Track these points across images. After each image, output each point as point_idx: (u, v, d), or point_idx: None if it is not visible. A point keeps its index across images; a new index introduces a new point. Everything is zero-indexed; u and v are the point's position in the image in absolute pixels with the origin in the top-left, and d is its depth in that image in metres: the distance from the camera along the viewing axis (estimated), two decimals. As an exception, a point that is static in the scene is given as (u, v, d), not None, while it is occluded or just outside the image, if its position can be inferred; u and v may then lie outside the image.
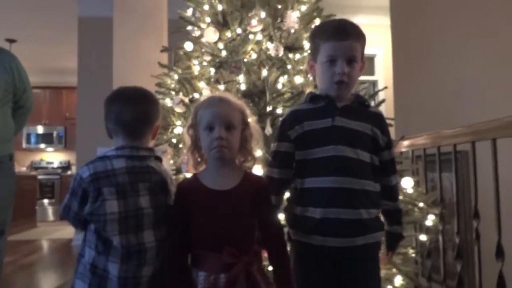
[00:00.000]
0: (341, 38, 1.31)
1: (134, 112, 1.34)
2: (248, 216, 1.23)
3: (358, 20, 5.87)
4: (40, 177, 7.50)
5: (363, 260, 1.32)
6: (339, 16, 2.65)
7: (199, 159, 1.33)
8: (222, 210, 1.22)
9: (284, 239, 1.30)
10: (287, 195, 1.46)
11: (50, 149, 8.30)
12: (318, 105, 1.37)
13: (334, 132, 1.31)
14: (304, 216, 1.30)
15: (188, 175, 1.86)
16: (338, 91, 1.34)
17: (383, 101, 2.25)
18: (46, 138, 8.19)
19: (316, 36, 1.40)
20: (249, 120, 1.32)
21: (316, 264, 1.31)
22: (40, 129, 8.17)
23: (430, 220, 2.09)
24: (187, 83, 2.11)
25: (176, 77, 2.22)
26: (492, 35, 2.92)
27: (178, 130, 2.04)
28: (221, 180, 1.25)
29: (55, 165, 8.35)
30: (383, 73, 5.80)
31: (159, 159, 1.40)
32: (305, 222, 1.30)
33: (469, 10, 3.18)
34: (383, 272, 1.73)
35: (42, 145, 8.21)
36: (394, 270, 1.88)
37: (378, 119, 1.38)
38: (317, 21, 2.31)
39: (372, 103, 2.39)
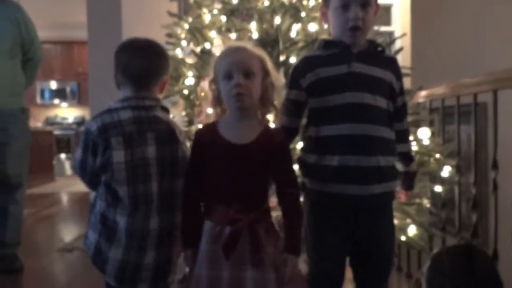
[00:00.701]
0: None
1: (141, 63, 1.33)
2: (261, 172, 1.20)
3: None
4: (56, 132, 7.59)
5: (379, 209, 1.31)
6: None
7: (220, 112, 1.29)
8: (235, 164, 1.20)
9: (298, 199, 1.26)
10: (300, 144, 1.44)
11: (64, 104, 8.34)
12: (332, 51, 1.32)
13: (351, 78, 1.27)
14: (321, 164, 1.28)
15: (201, 126, 1.85)
16: (353, 37, 1.28)
17: (400, 49, 2.17)
18: (60, 94, 8.21)
19: None
20: (269, 68, 1.26)
21: (332, 213, 1.29)
22: (53, 85, 8.18)
23: (446, 171, 2.07)
24: (197, 32, 2.05)
25: (186, 26, 2.15)
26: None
27: (190, 81, 2.00)
28: (239, 134, 1.22)
29: (70, 120, 8.41)
30: (400, 23, 5.58)
31: (165, 109, 1.40)
32: (322, 171, 1.27)
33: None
34: (397, 222, 1.73)
35: (56, 101, 8.24)
36: (408, 220, 1.88)
37: (393, 64, 1.35)
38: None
39: (389, 52, 2.31)
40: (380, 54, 1.34)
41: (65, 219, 4.45)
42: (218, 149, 1.23)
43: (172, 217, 1.32)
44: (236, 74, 1.19)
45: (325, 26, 1.89)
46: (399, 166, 1.41)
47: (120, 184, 1.25)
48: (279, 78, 1.35)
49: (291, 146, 1.46)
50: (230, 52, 1.26)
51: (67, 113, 8.49)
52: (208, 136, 1.25)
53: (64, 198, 5.56)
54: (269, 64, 1.27)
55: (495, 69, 2.03)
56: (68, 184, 6.39)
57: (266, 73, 1.25)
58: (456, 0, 3.53)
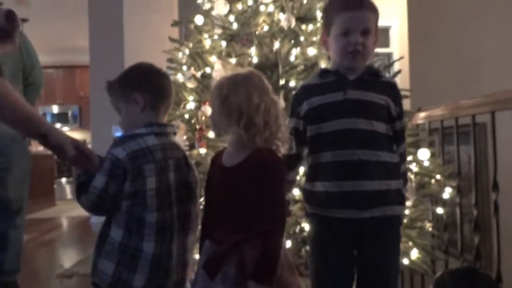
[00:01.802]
0: (356, 9, 1.29)
1: (171, 89, 1.40)
2: (245, 196, 1.19)
3: (373, -10, 5.64)
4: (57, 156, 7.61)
5: (382, 233, 1.30)
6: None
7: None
8: (223, 186, 1.24)
9: (278, 221, 1.19)
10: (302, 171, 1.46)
11: (65, 128, 8.38)
12: (329, 80, 1.35)
13: (347, 105, 1.29)
14: (318, 190, 1.30)
15: (202, 150, 1.86)
16: (353, 61, 1.31)
17: (399, 72, 2.20)
18: (62, 118, 8.27)
19: (329, 8, 1.38)
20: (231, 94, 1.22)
21: (333, 238, 1.30)
22: (55, 109, 8.25)
23: (447, 193, 2.06)
24: (198, 57, 2.09)
25: (187, 51, 2.19)
26: (514, 1, 2.81)
27: (191, 105, 2.03)
28: (231, 156, 1.26)
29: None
30: (398, 45, 5.66)
31: (175, 134, 1.44)
32: (319, 196, 1.30)
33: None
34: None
35: (58, 125, 8.28)
36: (410, 243, 1.87)
37: (391, 89, 1.35)
38: (331, -9, 2.24)
39: (387, 75, 2.34)
40: (377, 79, 1.36)
41: (65, 244, 4.42)
42: (214, 171, 1.29)
43: (186, 240, 1.36)
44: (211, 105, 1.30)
45: (324, 51, 1.95)
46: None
47: (150, 211, 1.26)
48: (279, 102, 1.36)
49: (296, 173, 1.47)
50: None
51: (69, 136, 8.53)
52: (214, 160, 1.34)
53: (64, 223, 5.53)
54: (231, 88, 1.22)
55: (492, 91, 2.05)
56: (68, 209, 6.37)
57: (225, 96, 1.22)
58: (453, 22, 3.58)
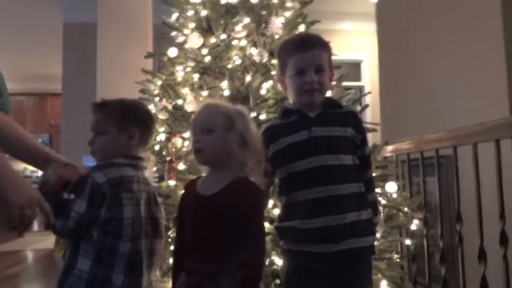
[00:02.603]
0: (307, 48, 1.35)
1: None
2: (225, 224, 1.20)
3: (344, 26, 5.91)
4: (24, 185, 7.38)
5: (355, 265, 1.31)
6: (324, 23, 2.69)
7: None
8: (200, 215, 1.23)
9: (258, 253, 1.21)
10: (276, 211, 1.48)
11: (35, 157, 8.19)
12: (292, 119, 1.38)
13: (313, 143, 1.31)
14: (292, 227, 1.31)
15: (171, 182, 1.85)
16: (310, 97, 1.35)
17: (366, 106, 2.27)
18: (31, 146, 8.07)
19: (283, 51, 1.44)
20: (238, 123, 1.27)
21: (308, 271, 1.30)
22: (24, 137, 8.05)
23: (414, 225, 2.10)
24: (170, 89, 2.10)
25: (159, 83, 2.20)
26: (474, 42, 2.96)
27: (161, 137, 2.02)
28: (208, 185, 1.25)
29: (40, 173, 8.22)
30: (369, 79, 5.84)
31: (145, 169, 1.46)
32: (293, 232, 1.31)
33: (453, 17, 3.23)
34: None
35: (27, 153, 8.09)
36: (379, 275, 1.88)
37: (352, 118, 1.39)
38: (302, 27, 2.32)
39: (358, 108, 2.41)
40: (338, 111, 1.39)
41: (30, 278, 4.23)
42: (189, 201, 1.28)
43: (150, 275, 1.35)
44: (197, 131, 1.27)
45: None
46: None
47: (124, 240, 1.25)
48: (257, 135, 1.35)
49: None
50: (201, 108, 1.33)
51: (38, 165, 8.31)
52: (187, 189, 1.33)
53: (30, 256, 5.31)
54: (243, 120, 1.28)
55: (456, 125, 2.14)
56: (34, 241, 6.12)
57: (226, 128, 1.25)
58: (420, 58, 3.73)
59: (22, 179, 1.18)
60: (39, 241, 5.90)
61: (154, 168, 1.88)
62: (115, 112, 1.38)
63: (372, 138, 2.83)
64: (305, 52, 1.35)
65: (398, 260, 1.98)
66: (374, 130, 2.17)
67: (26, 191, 1.15)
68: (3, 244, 5.75)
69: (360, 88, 5.94)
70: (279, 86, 2.05)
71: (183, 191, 1.37)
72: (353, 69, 5.84)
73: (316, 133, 1.32)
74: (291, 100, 1.90)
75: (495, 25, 2.70)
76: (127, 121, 1.37)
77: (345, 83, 2.18)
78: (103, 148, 1.37)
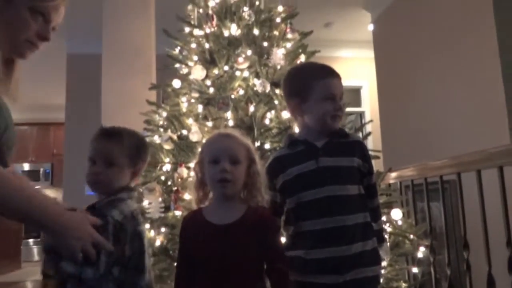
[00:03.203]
0: (335, 76, 1.39)
1: None
2: (249, 252, 1.20)
3: (343, 53, 6.00)
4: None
5: None
6: (324, 51, 2.75)
7: (202, 196, 1.33)
8: (221, 245, 1.20)
9: (287, 274, 1.24)
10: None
11: (36, 186, 8.14)
12: (299, 149, 1.39)
13: (321, 173, 1.32)
14: (298, 257, 1.30)
15: (177, 212, 1.85)
16: (334, 124, 1.37)
17: (369, 134, 2.29)
18: (33, 175, 8.05)
19: (307, 74, 1.43)
20: (255, 157, 1.31)
21: None
22: (26, 166, 8.06)
23: (421, 252, 2.09)
24: (175, 120, 2.13)
25: (164, 114, 2.23)
26: (473, 67, 3.01)
27: (167, 167, 2.04)
28: (223, 214, 1.24)
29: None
30: (369, 104, 5.90)
31: None
32: (298, 263, 1.30)
33: (451, 41, 3.29)
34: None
35: (28, 182, 8.06)
36: (387, 304, 1.86)
37: (358, 147, 1.41)
38: (302, 58, 2.37)
39: (360, 135, 2.43)
40: (344, 141, 1.40)
41: (30, 310, 4.16)
42: (202, 231, 1.24)
43: None
44: (222, 159, 1.23)
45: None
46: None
47: (144, 273, 1.24)
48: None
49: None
50: (219, 138, 1.32)
51: (39, 194, 8.27)
52: (193, 222, 1.28)
53: (29, 287, 5.23)
54: (255, 153, 1.32)
55: (458, 152, 2.15)
56: (35, 272, 6.04)
57: (251, 161, 1.29)
58: (421, 85, 3.78)
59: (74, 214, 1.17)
60: (39, 272, 5.83)
61: (160, 199, 1.88)
62: (130, 146, 1.36)
63: (374, 165, 2.84)
64: (333, 79, 1.38)
65: (405, 288, 1.96)
66: (377, 158, 2.18)
67: (83, 225, 1.14)
68: (4, 274, 5.68)
69: (361, 114, 5.99)
70: (282, 115, 2.08)
71: (183, 221, 1.33)
72: (353, 95, 5.91)
73: (324, 163, 1.33)
74: (296, 129, 1.93)
75: (492, 52, 2.76)
76: (138, 156, 1.36)
77: (346, 109, 2.21)
78: (111, 180, 1.33)
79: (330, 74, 1.39)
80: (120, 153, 1.33)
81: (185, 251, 1.28)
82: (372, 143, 4.22)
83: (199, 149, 1.60)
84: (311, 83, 1.38)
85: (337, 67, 1.49)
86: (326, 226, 1.28)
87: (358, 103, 5.99)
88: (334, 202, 1.30)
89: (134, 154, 1.36)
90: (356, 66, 5.77)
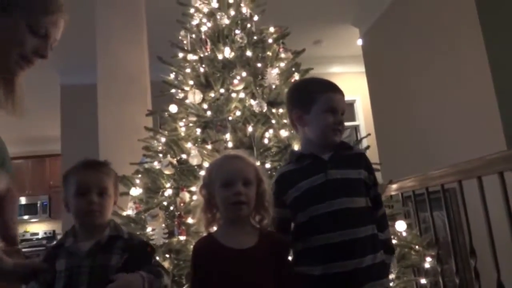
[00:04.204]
0: (338, 91, 1.42)
1: None
2: (269, 275, 1.19)
3: (333, 69, 6.07)
4: (24, 250, 7.23)
5: None
6: (317, 68, 2.78)
7: (211, 219, 1.32)
8: (240, 269, 1.19)
9: None
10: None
11: (34, 219, 8.07)
12: (306, 162, 1.39)
13: (330, 186, 1.32)
14: (306, 274, 1.29)
15: (182, 237, 1.84)
16: (336, 137, 1.39)
17: (367, 147, 2.30)
18: (30, 209, 7.98)
19: (310, 87, 1.45)
20: (262, 176, 1.32)
21: None
22: (23, 200, 7.98)
23: (428, 262, 2.08)
24: (174, 144, 2.13)
25: (163, 139, 2.24)
26: (465, 74, 3.05)
27: (168, 192, 2.03)
28: (238, 239, 1.23)
29: (40, 235, 8.09)
30: (363, 118, 5.96)
31: None
32: (308, 280, 1.28)
33: (441, 49, 3.33)
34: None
35: (26, 217, 7.97)
36: (398, 318, 1.84)
37: (363, 160, 1.42)
38: (296, 76, 2.40)
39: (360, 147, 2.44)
40: (349, 153, 1.41)
41: None
42: (220, 256, 1.22)
43: None
44: (236, 182, 1.23)
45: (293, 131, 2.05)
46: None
47: None
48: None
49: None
50: (229, 161, 1.31)
51: (37, 228, 8.19)
52: (206, 247, 1.26)
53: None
54: (262, 173, 1.33)
55: (457, 159, 2.17)
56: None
57: (260, 180, 1.29)
58: (413, 96, 3.81)
59: None
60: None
61: (163, 225, 1.87)
62: (114, 175, 1.39)
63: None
64: (337, 94, 1.40)
65: (415, 301, 1.95)
66: (377, 170, 2.20)
67: None
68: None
69: (356, 127, 6.04)
70: (281, 134, 2.09)
71: (196, 248, 1.30)
72: (347, 109, 5.96)
73: (333, 176, 1.33)
74: (296, 146, 1.94)
75: (482, 60, 2.80)
76: (117, 185, 1.40)
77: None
78: (107, 211, 1.35)
79: (333, 89, 1.41)
80: (111, 182, 1.36)
81: (202, 279, 1.23)
82: (369, 157, 4.22)
83: (201, 172, 1.61)
84: (314, 95, 1.40)
85: (330, 83, 1.50)
86: (339, 239, 1.27)
87: (352, 117, 6.04)
88: (346, 215, 1.30)
89: (116, 183, 1.39)
90: (348, 81, 5.82)
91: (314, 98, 1.40)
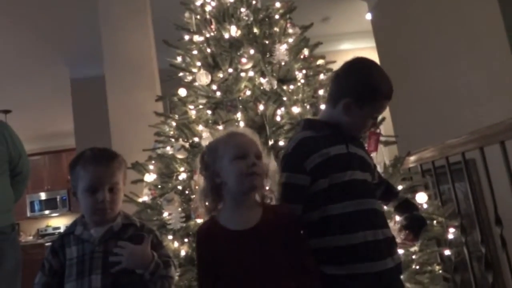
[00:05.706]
0: (387, 100, 1.40)
1: None
2: (277, 253, 1.16)
3: (343, 46, 5.95)
4: (47, 244, 7.36)
5: (397, 282, 1.30)
6: (326, 46, 2.70)
7: (212, 206, 1.28)
8: (247, 251, 1.16)
9: (318, 270, 1.21)
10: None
11: (55, 214, 8.21)
12: (327, 133, 1.36)
13: (351, 158, 1.33)
14: (338, 246, 1.23)
15: (199, 220, 1.82)
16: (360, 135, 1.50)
17: (383, 119, 2.23)
18: (50, 204, 8.10)
19: (376, 86, 1.35)
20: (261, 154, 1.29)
21: None
22: (43, 195, 8.11)
23: (451, 233, 2.03)
24: (185, 128, 2.10)
25: (174, 124, 2.21)
26: (480, 36, 2.95)
27: (182, 176, 2.01)
28: (242, 219, 1.20)
29: (62, 229, 8.23)
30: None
31: None
32: (342, 252, 1.22)
33: (454, 16, 3.23)
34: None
35: (47, 211, 8.11)
36: (423, 290, 1.80)
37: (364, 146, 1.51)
38: (305, 51, 2.34)
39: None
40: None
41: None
42: (225, 241, 1.19)
43: None
44: (249, 154, 1.21)
45: (308, 107, 2.02)
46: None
47: None
48: (272, 162, 1.36)
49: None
50: (237, 135, 1.29)
51: (59, 222, 8.32)
52: (210, 232, 1.22)
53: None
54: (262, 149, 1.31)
55: (477, 127, 2.10)
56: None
57: (260, 156, 1.27)
58: (426, 64, 3.72)
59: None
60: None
61: (180, 208, 1.85)
62: (125, 165, 1.37)
63: (390, 151, 2.80)
64: (385, 103, 1.40)
65: (440, 271, 1.91)
66: (394, 143, 2.14)
67: None
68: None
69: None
70: (293, 111, 2.04)
71: (199, 235, 1.27)
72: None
73: (352, 150, 1.35)
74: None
75: (496, 22, 2.70)
76: (125, 177, 1.39)
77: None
78: (117, 205, 1.33)
79: (389, 97, 1.35)
80: (120, 175, 1.33)
81: (208, 264, 1.20)
82: (384, 130, 4.15)
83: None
84: (374, 96, 1.33)
85: (340, 61, 1.47)
86: (360, 207, 1.26)
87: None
88: (365, 186, 1.31)
89: (125, 172, 1.37)
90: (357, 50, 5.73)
91: (371, 99, 1.34)
